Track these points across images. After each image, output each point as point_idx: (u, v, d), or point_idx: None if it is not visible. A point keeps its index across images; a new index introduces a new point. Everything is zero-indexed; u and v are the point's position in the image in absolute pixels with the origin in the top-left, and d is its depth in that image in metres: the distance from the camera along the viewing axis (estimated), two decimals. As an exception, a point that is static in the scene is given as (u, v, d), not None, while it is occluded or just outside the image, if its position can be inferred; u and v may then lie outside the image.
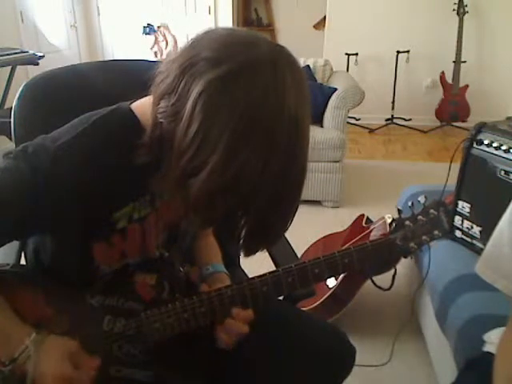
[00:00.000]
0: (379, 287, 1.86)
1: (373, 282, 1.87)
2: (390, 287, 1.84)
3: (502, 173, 1.39)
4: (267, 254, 1.09)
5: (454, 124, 4.53)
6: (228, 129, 0.60)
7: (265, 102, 0.61)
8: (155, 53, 5.25)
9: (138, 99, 0.78)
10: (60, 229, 0.75)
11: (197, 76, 0.62)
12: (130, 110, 0.76)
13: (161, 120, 0.66)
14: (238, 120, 0.60)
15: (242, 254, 0.77)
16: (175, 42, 5.20)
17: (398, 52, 4.56)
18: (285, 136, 0.63)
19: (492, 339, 1.02)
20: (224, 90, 0.61)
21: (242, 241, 0.73)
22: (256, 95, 0.61)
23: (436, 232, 0.89)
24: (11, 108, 0.97)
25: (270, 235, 0.75)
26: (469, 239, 1.52)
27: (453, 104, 4.46)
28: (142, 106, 0.75)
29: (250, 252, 0.76)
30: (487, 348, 1.02)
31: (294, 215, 0.73)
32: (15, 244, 1.01)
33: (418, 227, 0.89)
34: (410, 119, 4.79)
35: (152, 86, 0.69)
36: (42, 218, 0.72)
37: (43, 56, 3.57)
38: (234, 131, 0.60)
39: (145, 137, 0.71)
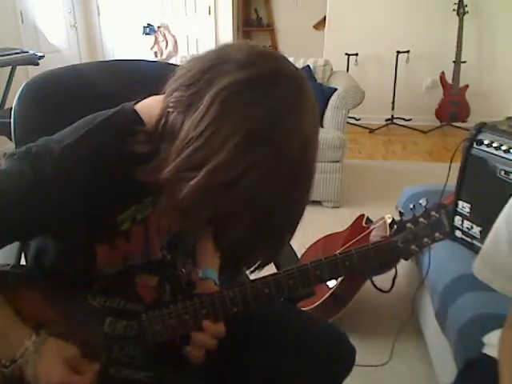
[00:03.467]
0: (380, 289, 1.86)
1: (373, 284, 1.87)
2: (390, 289, 1.84)
3: (502, 173, 1.39)
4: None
5: (454, 124, 4.53)
6: (241, 130, 0.59)
7: (285, 114, 0.61)
8: (155, 53, 5.25)
9: (141, 100, 0.77)
10: (62, 231, 0.75)
11: (223, 73, 0.61)
12: (135, 111, 0.75)
13: (170, 109, 0.66)
14: (253, 124, 0.60)
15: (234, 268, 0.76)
16: (175, 42, 5.20)
17: (398, 52, 4.56)
18: (294, 153, 0.62)
19: (492, 341, 1.01)
20: (246, 93, 0.60)
21: (234, 252, 0.71)
22: (279, 105, 0.61)
23: (437, 234, 0.89)
24: (11, 108, 0.97)
25: (263, 250, 0.72)
26: (469, 239, 1.52)
27: (453, 104, 4.46)
28: (147, 107, 0.75)
29: (240, 265, 0.75)
30: (486, 350, 1.01)
31: (292, 232, 0.71)
32: (15, 244, 1.00)
33: (420, 229, 0.89)
34: (410, 119, 4.79)
35: (169, 79, 0.68)
36: (44, 221, 0.72)
37: (43, 56, 3.57)
38: (247, 134, 0.59)
39: (147, 125, 0.70)
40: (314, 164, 0.67)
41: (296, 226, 0.70)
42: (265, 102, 0.60)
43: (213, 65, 0.63)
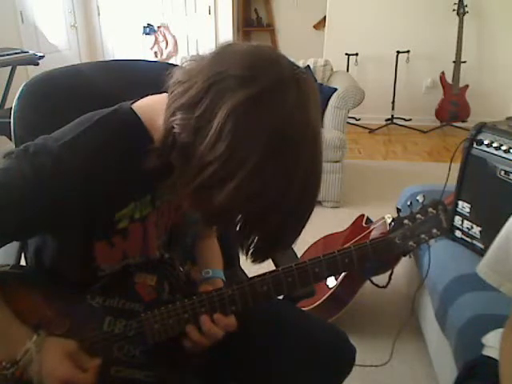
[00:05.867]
0: (376, 285, 1.86)
1: (370, 280, 1.87)
2: (387, 285, 1.84)
3: (502, 173, 1.39)
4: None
5: (454, 124, 4.53)
6: (257, 147, 0.61)
7: (293, 118, 0.62)
8: (155, 53, 5.25)
9: (138, 99, 0.78)
10: (61, 229, 0.75)
11: (225, 93, 0.61)
12: (132, 110, 0.76)
13: (177, 131, 0.65)
14: (268, 138, 0.61)
15: (249, 261, 0.77)
16: (175, 42, 5.21)
17: (398, 52, 4.55)
18: (308, 150, 0.64)
19: (490, 342, 1.01)
20: (255, 110, 0.61)
21: (251, 249, 0.73)
22: (285, 113, 0.62)
23: (435, 231, 0.90)
24: (11, 108, 0.97)
25: (281, 245, 0.75)
26: (469, 239, 1.53)
27: (453, 104, 4.46)
28: (144, 107, 0.76)
29: (258, 259, 0.76)
30: (486, 351, 1.01)
31: (301, 230, 0.73)
32: (15, 244, 1.01)
33: (417, 226, 0.90)
34: (410, 119, 4.79)
35: (169, 94, 0.68)
36: (43, 219, 0.72)
37: (43, 56, 3.57)
38: (264, 149, 0.61)
39: (155, 142, 0.71)
40: (322, 162, 0.69)
41: (307, 221, 0.72)
42: (272, 115, 0.61)
43: (213, 82, 0.62)
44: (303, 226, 0.72)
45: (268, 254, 0.76)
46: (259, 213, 0.66)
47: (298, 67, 0.67)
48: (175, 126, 0.66)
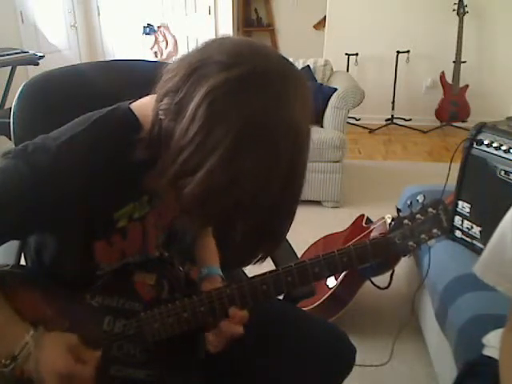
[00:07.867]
0: (377, 286, 1.86)
1: (371, 281, 1.87)
2: (388, 286, 1.83)
3: (502, 173, 1.39)
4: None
5: (454, 124, 4.53)
6: (230, 133, 0.59)
7: (272, 111, 0.61)
8: (155, 53, 5.25)
9: (137, 99, 0.78)
10: (60, 228, 0.75)
11: (205, 77, 0.61)
12: (130, 110, 0.76)
13: (161, 117, 0.66)
14: (241, 126, 0.60)
15: (235, 264, 0.76)
16: (175, 42, 5.20)
17: (398, 52, 4.56)
18: (288, 148, 0.62)
19: (491, 342, 1.01)
20: (231, 94, 0.60)
21: (235, 248, 0.72)
22: (264, 104, 0.61)
23: (435, 230, 0.89)
24: (11, 108, 0.97)
25: (265, 245, 0.74)
26: (469, 239, 1.53)
27: (453, 104, 4.46)
28: (142, 106, 0.75)
29: (241, 261, 0.75)
30: (486, 351, 1.01)
31: (289, 227, 0.72)
32: (15, 244, 1.01)
33: (417, 226, 0.89)
34: (410, 119, 4.79)
35: (158, 83, 0.68)
36: (41, 218, 0.72)
37: (43, 56, 3.57)
38: (236, 136, 0.59)
39: (143, 133, 0.71)
40: (307, 153, 0.67)
41: (293, 217, 0.70)
42: (249, 102, 0.60)
43: (195, 68, 0.62)
44: (288, 225, 0.71)
45: (253, 254, 0.74)
46: (238, 206, 0.63)
47: (291, 64, 0.66)
48: (160, 112, 0.66)
